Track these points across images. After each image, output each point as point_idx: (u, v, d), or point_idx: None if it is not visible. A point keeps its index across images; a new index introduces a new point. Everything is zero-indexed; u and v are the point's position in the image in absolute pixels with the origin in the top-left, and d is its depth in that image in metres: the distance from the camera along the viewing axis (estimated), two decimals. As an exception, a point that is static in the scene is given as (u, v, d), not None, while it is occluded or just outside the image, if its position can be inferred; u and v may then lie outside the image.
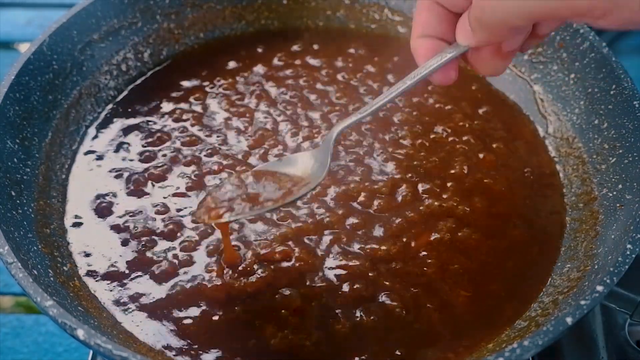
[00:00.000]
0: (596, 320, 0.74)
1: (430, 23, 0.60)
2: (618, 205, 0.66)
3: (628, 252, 0.57)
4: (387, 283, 0.65)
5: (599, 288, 0.55)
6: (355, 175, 0.73)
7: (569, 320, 0.53)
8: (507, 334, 0.62)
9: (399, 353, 0.61)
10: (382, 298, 0.64)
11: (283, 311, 0.63)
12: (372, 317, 0.62)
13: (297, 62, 0.88)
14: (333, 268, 0.66)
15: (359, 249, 0.67)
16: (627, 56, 1.08)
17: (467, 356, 0.61)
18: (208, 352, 0.60)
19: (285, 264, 0.66)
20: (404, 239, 0.68)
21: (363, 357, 0.60)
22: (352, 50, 0.90)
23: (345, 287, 0.64)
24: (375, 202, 0.71)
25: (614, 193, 0.68)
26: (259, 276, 0.65)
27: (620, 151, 0.69)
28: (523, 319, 0.63)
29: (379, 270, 0.66)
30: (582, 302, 0.54)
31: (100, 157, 0.76)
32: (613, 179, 0.69)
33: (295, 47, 0.90)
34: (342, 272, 0.65)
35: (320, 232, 0.68)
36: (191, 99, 0.83)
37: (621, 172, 0.68)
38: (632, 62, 1.01)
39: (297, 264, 0.66)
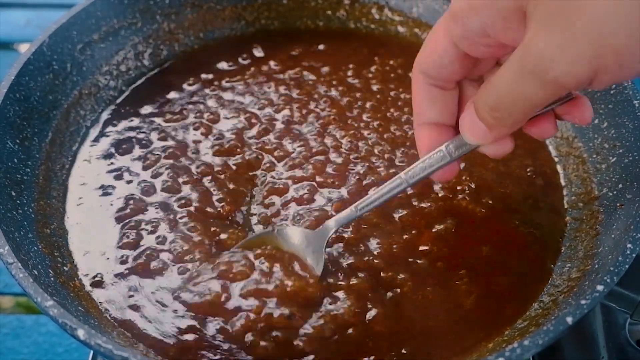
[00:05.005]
0: (596, 319, 0.74)
1: (428, 107, 0.57)
2: (618, 204, 0.66)
3: (628, 252, 0.57)
4: (392, 280, 0.65)
5: (599, 287, 0.55)
6: (359, 173, 0.73)
7: (569, 319, 0.53)
8: (508, 333, 0.62)
9: (404, 352, 0.61)
10: (388, 295, 0.64)
11: (288, 312, 0.63)
12: (381, 314, 0.62)
13: (297, 62, 0.88)
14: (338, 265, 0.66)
15: (365, 245, 0.67)
16: (627, 56, 1.08)
17: (468, 356, 0.61)
18: (209, 352, 0.60)
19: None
20: (407, 236, 0.68)
21: (372, 358, 0.60)
22: (352, 50, 0.90)
23: (354, 283, 0.64)
24: None
25: (614, 192, 0.68)
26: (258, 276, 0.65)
27: (620, 150, 0.69)
28: (523, 318, 0.63)
29: (383, 266, 0.66)
30: (583, 302, 0.54)
31: (100, 158, 0.76)
32: (613, 179, 0.69)
33: (295, 48, 0.90)
34: (347, 270, 0.65)
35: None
36: (191, 99, 0.83)
37: (621, 171, 0.68)
38: (632, 62, 1.01)
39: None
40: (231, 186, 0.73)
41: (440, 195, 0.72)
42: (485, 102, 0.50)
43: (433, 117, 0.57)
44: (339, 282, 0.64)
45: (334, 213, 0.69)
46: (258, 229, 0.69)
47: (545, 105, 0.50)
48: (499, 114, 0.50)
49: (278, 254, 0.65)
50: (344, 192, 0.72)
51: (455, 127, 0.57)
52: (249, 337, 0.60)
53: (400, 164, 0.75)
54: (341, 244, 0.67)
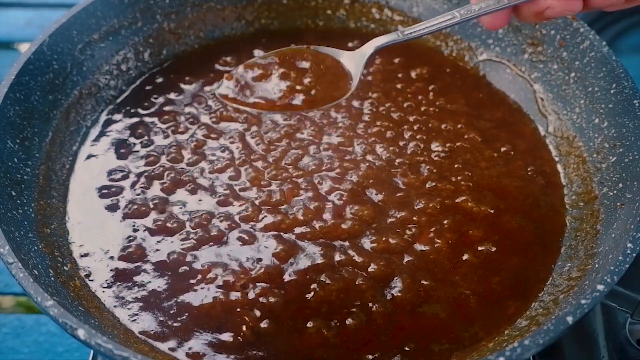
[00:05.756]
0: (597, 319, 0.74)
1: None
2: (618, 204, 0.66)
3: (628, 251, 0.57)
4: (392, 279, 0.65)
5: (600, 287, 0.55)
6: (357, 173, 0.74)
7: (569, 319, 0.53)
8: (508, 332, 0.62)
9: (407, 349, 0.61)
10: (392, 293, 0.64)
11: (292, 309, 0.63)
12: (382, 313, 0.63)
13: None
14: (342, 264, 0.66)
15: (366, 243, 0.68)
16: (627, 55, 1.08)
17: (468, 355, 0.61)
18: (211, 351, 0.60)
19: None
20: (408, 234, 0.68)
21: (376, 355, 0.60)
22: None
23: (356, 282, 0.64)
24: (382, 196, 0.71)
25: (615, 192, 0.68)
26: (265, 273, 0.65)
27: (621, 150, 0.69)
28: (524, 317, 0.63)
29: (387, 264, 0.66)
30: (583, 301, 0.54)
31: (100, 157, 0.76)
32: (613, 178, 0.69)
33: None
34: (351, 268, 0.66)
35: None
36: (191, 99, 0.83)
37: (621, 170, 0.68)
38: (632, 61, 1.00)
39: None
40: (232, 184, 0.73)
41: (441, 194, 0.72)
42: None
43: None
44: (338, 281, 0.64)
45: (324, 208, 0.69)
46: (260, 227, 0.69)
47: None
48: None
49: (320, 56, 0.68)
50: (347, 184, 0.72)
51: None
52: None
53: (400, 164, 0.75)
54: (341, 242, 0.67)
